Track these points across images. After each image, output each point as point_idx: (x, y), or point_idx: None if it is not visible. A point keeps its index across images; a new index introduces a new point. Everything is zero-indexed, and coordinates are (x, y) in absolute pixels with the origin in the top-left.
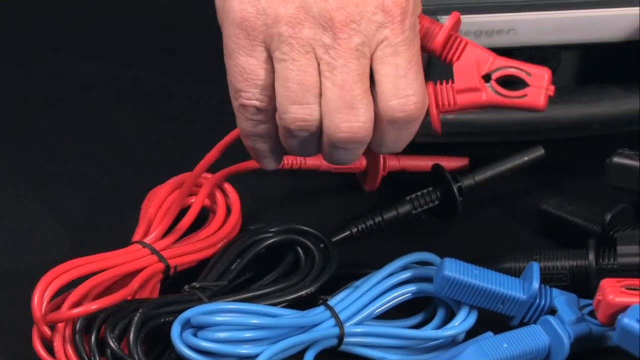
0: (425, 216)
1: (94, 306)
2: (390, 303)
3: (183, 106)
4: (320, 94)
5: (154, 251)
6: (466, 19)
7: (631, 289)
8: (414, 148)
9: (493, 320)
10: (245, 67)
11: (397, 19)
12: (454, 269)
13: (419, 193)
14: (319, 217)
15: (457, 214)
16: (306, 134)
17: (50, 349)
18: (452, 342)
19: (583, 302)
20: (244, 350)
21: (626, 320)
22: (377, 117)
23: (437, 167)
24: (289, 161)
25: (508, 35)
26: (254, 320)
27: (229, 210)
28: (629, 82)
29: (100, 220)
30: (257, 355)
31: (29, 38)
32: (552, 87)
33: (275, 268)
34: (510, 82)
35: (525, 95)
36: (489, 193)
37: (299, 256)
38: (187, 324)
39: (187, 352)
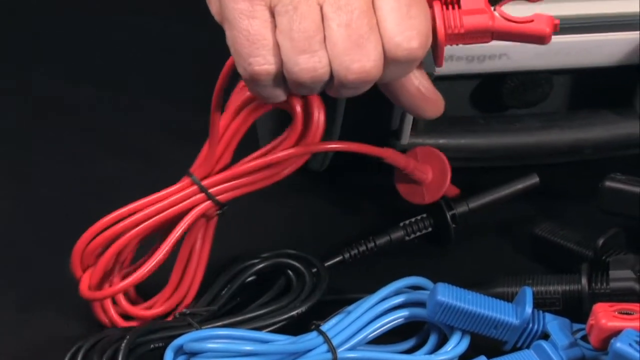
0: (418, 241)
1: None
2: (383, 328)
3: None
4: (325, 39)
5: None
6: None
7: (624, 314)
8: None
9: (486, 345)
10: (249, 30)
11: None
12: (447, 294)
13: (412, 219)
14: (312, 242)
15: (450, 241)
16: (318, 83)
17: None
18: None
19: (576, 326)
20: None
21: (619, 344)
22: None
23: None
24: None
25: (500, 60)
26: (247, 347)
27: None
28: (621, 106)
29: None
30: None
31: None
32: (557, 21)
33: (267, 292)
34: None
35: (531, 22)
36: (481, 217)
37: (291, 280)
38: (179, 351)
39: None
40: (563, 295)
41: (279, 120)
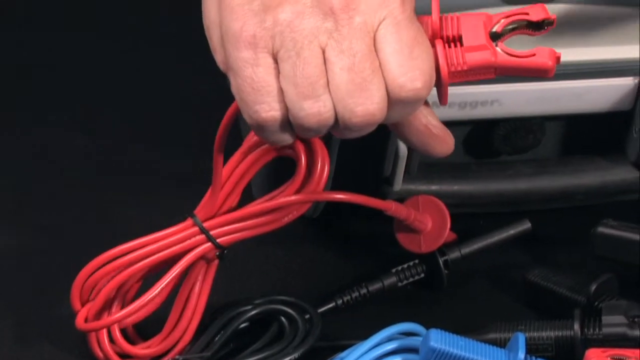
0: (410, 287)
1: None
2: None
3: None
4: (328, 83)
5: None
6: (450, 90)
7: (617, 359)
8: None
9: None
10: (254, 78)
11: None
12: (440, 340)
13: (405, 265)
14: (304, 288)
15: (442, 287)
16: (324, 127)
17: None
18: None
19: None
20: None
21: None
22: None
23: None
24: None
25: (492, 106)
26: None
27: None
28: (613, 153)
29: None
30: None
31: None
32: (559, 54)
33: (260, 339)
34: None
35: (533, 56)
36: (474, 263)
37: (283, 326)
38: None
39: None
40: (556, 341)
41: (274, 170)
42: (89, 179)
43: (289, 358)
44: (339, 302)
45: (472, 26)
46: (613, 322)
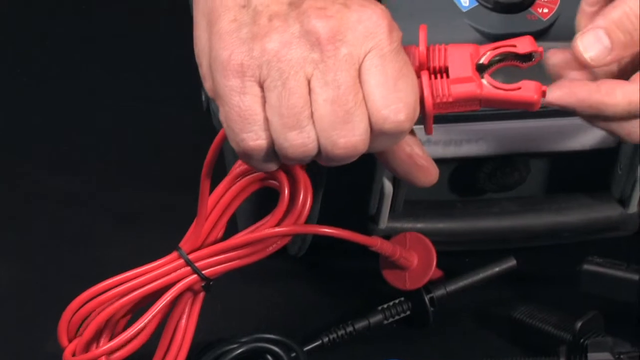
0: (396, 325)
1: None
2: None
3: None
4: (312, 114)
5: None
6: (435, 128)
7: None
8: None
9: None
10: (241, 106)
11: (384, 29)
12: None
13: (390, 303)
14: (291, 326)
15: (428, 324)
16: (308, 157)
17: None
18: None
19: None
20: None
21: None
22: None
23: None
24: None
25: (477, 144)
26: None
27: None
28: (598, 190)
29: None
30: None
31: None
32: (545, 88)
33: None
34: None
35: (519, 89)
36: (460, 300)
37: None
38: None
39: None
40: None
41: (258, 202)
42: (75, 215)
43: None
44: (325, 340)
45: (459, 57)
46: (599, 359)
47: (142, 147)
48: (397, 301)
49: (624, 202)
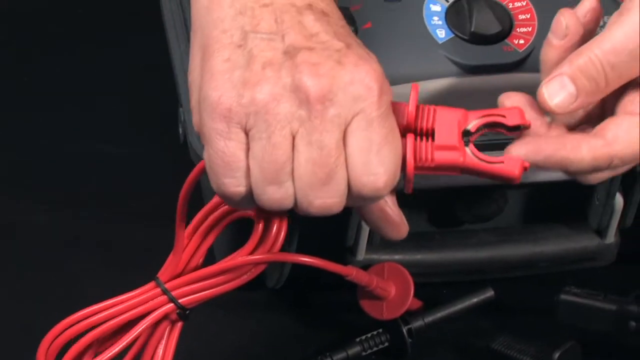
0: (375, 356)
1: None
2: None
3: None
4: (293, 170)
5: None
6: None
7: None
8: None
9: None
10: (225, 152)
11: (374, 93)
12: None
13: (369, 335)
14: (268, 358)
15: (406, 356)
16: (284, 210)
17: None
18: None
19: None
20: None
21: None
22: None
23: None
24: None
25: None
26: None
27: None
28: (575, 220)
29: None
30: None
31: None
32: (527, 164)
33: None
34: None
35: (501, 163)
36: (438, 331)
37: None
38: None
39: None
40: None
41: (235, 233)
42: (52, 250)
43: None
44: None
45: (447, 122)
46: None
47: (120, 178)
48: (375, 333)
49: (601, 232)
